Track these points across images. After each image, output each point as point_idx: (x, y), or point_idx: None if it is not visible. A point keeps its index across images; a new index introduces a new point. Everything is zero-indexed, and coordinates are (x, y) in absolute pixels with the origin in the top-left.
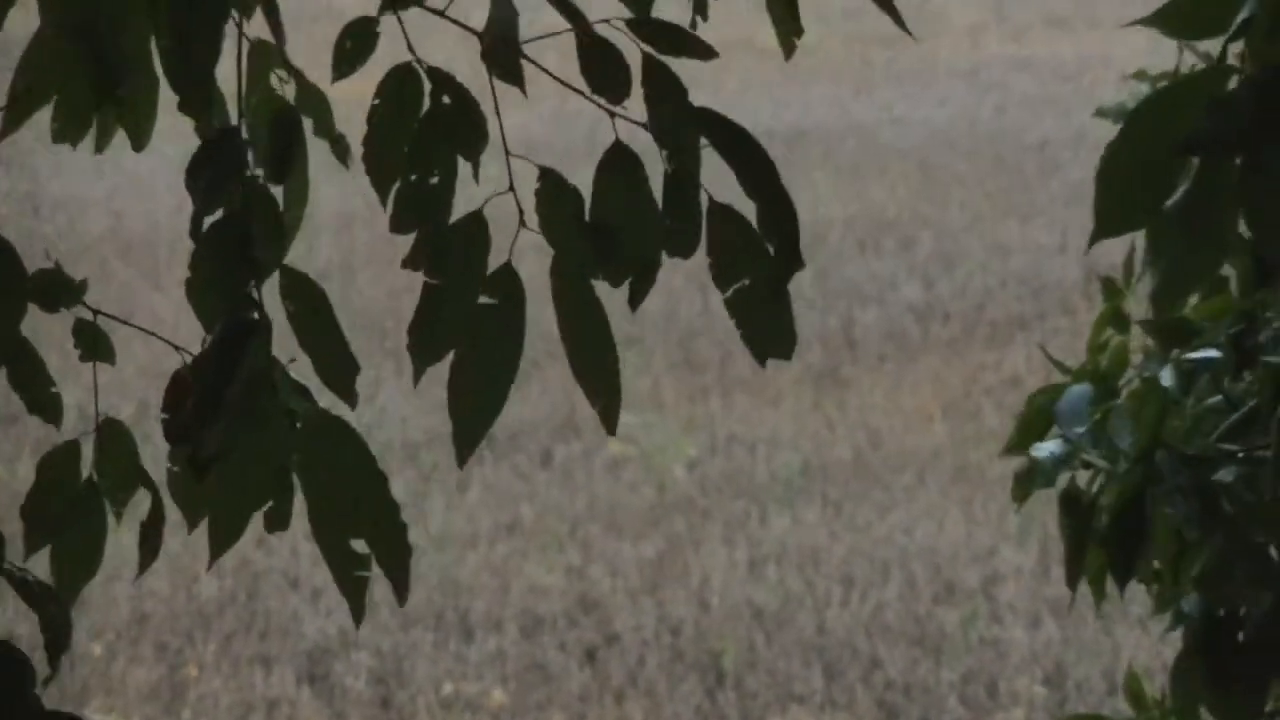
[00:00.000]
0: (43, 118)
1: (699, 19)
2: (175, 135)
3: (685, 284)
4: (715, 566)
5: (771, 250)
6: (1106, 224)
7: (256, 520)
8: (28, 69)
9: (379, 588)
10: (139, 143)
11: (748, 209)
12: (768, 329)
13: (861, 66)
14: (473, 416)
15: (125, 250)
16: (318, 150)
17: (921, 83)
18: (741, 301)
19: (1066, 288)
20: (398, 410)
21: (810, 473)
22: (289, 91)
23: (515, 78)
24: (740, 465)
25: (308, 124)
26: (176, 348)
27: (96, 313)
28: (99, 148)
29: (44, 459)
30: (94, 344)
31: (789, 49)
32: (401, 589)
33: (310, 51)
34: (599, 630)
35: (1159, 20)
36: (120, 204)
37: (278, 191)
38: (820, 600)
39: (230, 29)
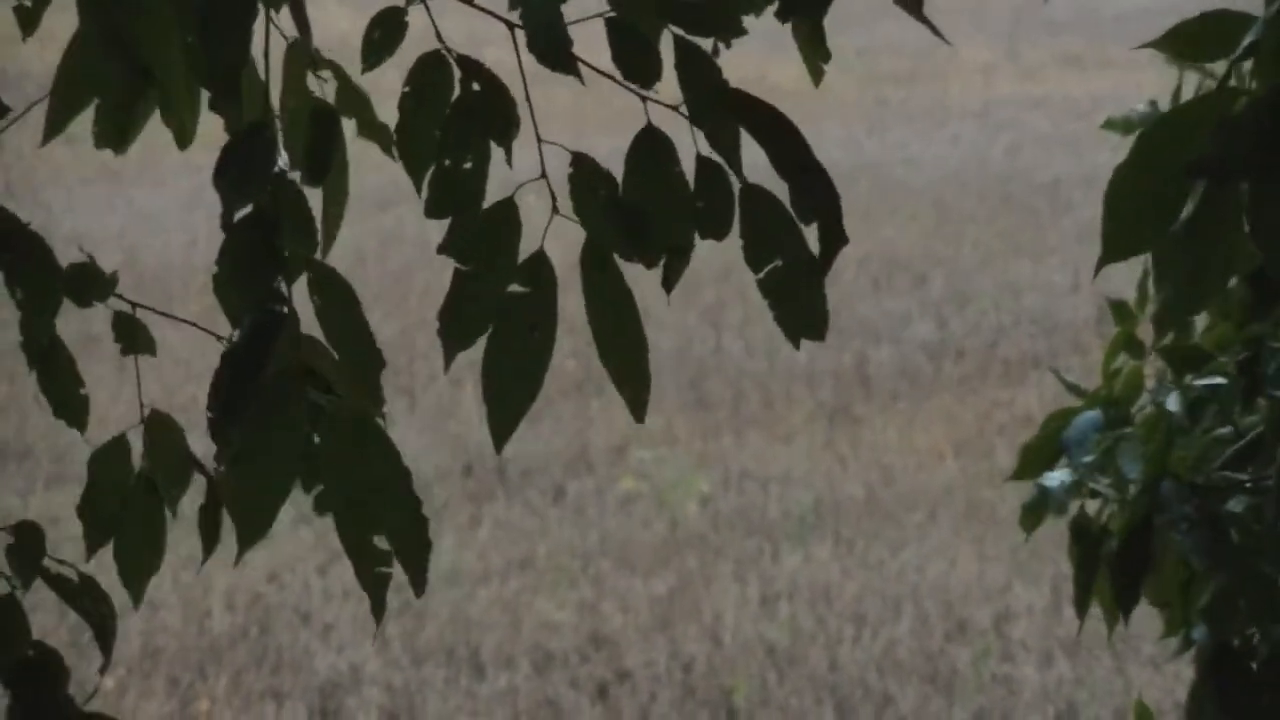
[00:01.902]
0: (55, 156)
1: (721, 46)
2: (186, 169)
3: (698, 321)
4: (727, 603)
5: (808, 226)
6: (1114, 247)
7: (268, 556)
8: (66, 74)
9: (392, 623)
10: (183, 141)
11: (779, 190)
12: (801, 310)
13: (874, 106)
14: (507, 403)
15: (138, 284)
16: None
17: (934, 122)
18: (774, 282)
19: (1079, 326)
20: (410, 446)
21: (822, 510)
22: (327, 91)
23: (567, 65)
24: (752, 502)
25: (348, 125)
26: (218, 337)
27: (135, 305)
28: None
29: (94, 456)
30: (133, 337)
31: (817, 75)
32: (419, 581)
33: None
34: (610, 667)
35: (1166, 43)
36: (133, 239)
37: (313, 192)
38: (832, 637)
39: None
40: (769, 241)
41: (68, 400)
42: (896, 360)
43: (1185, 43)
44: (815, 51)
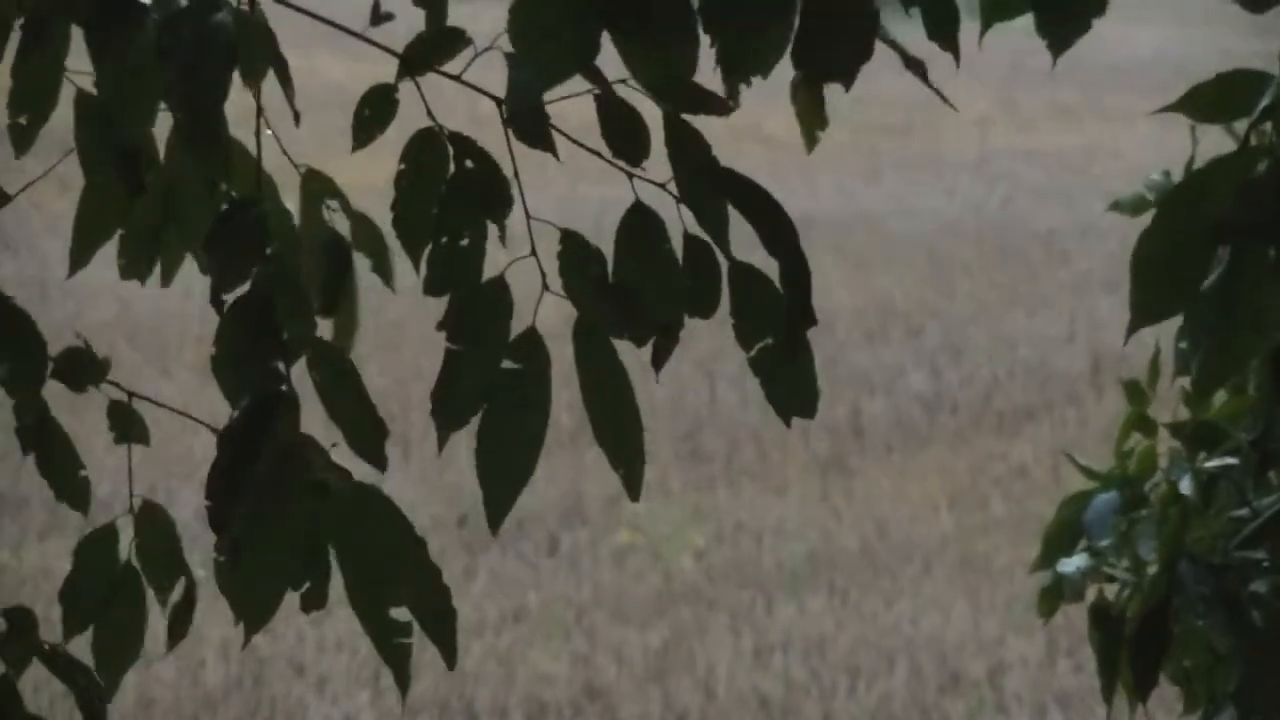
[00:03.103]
0: (51, 207)
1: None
2: None
3: (692, 372)
4: (721, 656)
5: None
6: (1143, 312)
7: None
8: (88, 205)
9: (384, 675)
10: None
11: (768, 268)
12: (791, 388)
13: (869, 156)
14: (502, 483)
15: (132, 336)
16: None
17: (929, 172)
18: (765, 361)
19: (1074, 378)
20: (404, 497)
21: (817, 562)
22: (338, 221)
23: (544, 143)
24: (747, 554)
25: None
26: (210, 428)
27: (131, 395)
28: (166, 280)
29: (82, 542)
30: (128, 425)
31: (812, 141)
32: (449, 653)
33: (317, 133)
34: (605, 719)
35: (1185, 105)
36: (127, 290)
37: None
38: (826, 690)
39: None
40: (759, 320)
41: (68, 484)
42: (891, 412)
43: (1203, 104)
44: (813, 118)
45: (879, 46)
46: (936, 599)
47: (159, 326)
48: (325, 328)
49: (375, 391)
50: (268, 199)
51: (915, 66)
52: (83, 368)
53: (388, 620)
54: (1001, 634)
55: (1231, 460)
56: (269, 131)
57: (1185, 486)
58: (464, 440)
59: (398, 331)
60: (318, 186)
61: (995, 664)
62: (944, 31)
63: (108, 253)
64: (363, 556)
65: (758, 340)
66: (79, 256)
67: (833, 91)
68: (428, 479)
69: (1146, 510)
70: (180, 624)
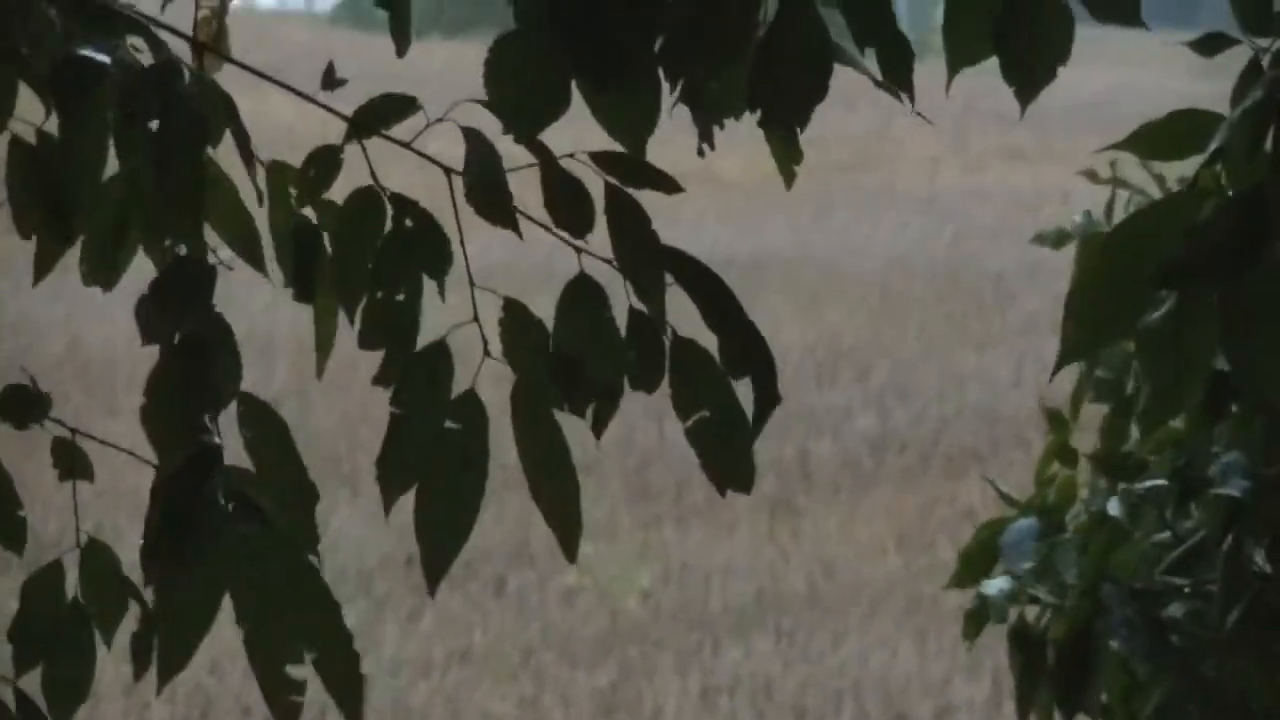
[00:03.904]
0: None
1: (705, 147)
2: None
3: (642, 413)
4: (668, 696)
5: (738, 380)
6: (1073, 348)
7: (209, 646)
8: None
9: (331, 713)
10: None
11: (708, 340)
12: (728, 460)
13: (820, 195)
14: (441, 543)
15: (82, 373)
16: (278, 276)
17: (880, 211)
18: (702, 433)
19: (1021, 420)
20: (352, 536)
21: (764, 603)
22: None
23: (505, 219)
24: (694, 595)
25: None
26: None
27: (75, 431)
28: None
29: (28, 582)
30: (72, 461)
31: (790, 178)
32: (354, 717)
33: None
34: None
35: (1132, 144)
36: (77, 327)
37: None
38: None
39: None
40: (697, 393)
41: (5, 523)
42: (839, 453)
43: (1151, 143)
44: (788, 153)
45: (830, 83)
46: (883, 640)
47: (108, 364)
48: (255, 386)
49: (324, 429)
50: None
51: (890, 89)
52: (27, 404)
53: (283, 677)
54: (948, 675)
55: (1160, 481)
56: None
57: (1114, 508)
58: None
59: (347, 371)
60: (284, 177)
61: (942, 705)
62: (898, 72)
63: (56, 285)
64: (277, 613)
65: (695, 413)
66: (42, 263)
67: (803, 132)
68: (376, 518)
69: (1067, 535)
70: (143, 652)
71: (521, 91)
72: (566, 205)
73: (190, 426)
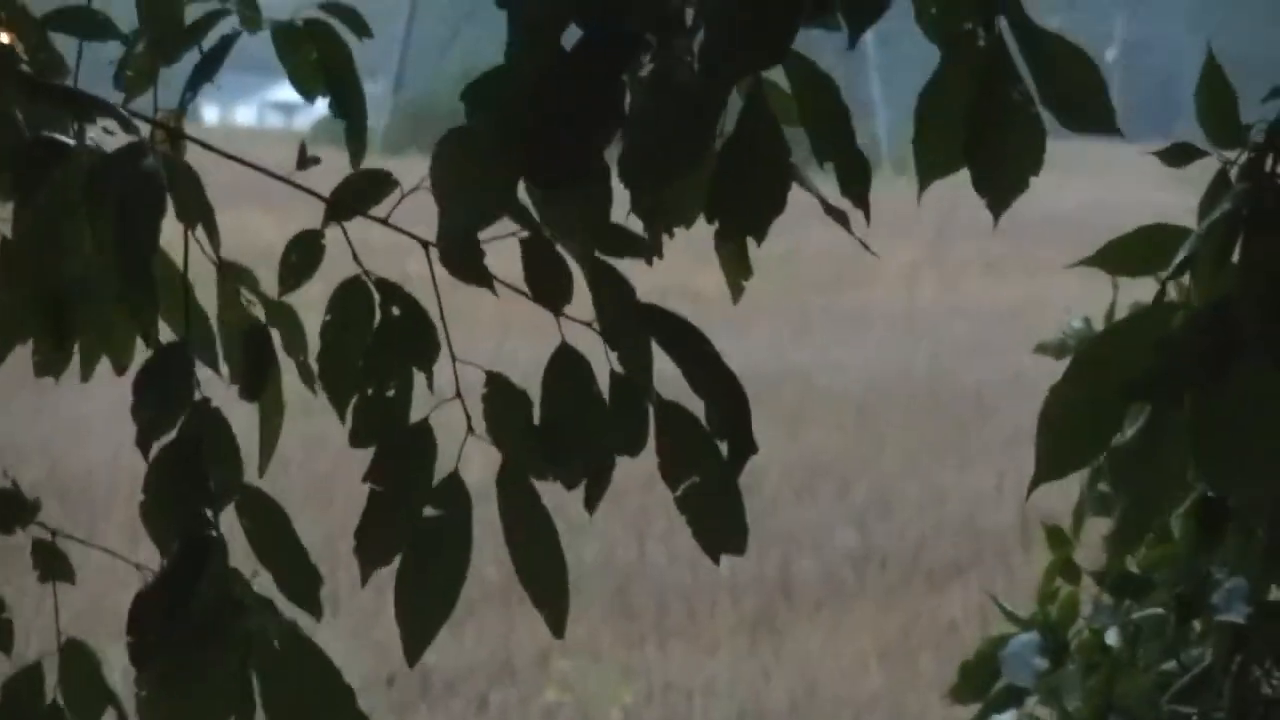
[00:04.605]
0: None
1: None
2: (112, 376)
3: (622, 531)
4: None
5: (723, 442)
6: (1047, 466)
7: None
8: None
9: None
10: (121, 366)
11: (695, 405)
12: (720, 525)
13: (797, 311)
14: (420, 623)
15: (63, 494)
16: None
17: (857, 327)
18: (692, 499)
19: (1003, 533)
20: (335, 652)
21: None
22: (258, 311)
23: (479, 278)
24: (676, 713)
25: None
26: (136, 566)
27: (55, 532)
28: (85, 376)
29: (7, 683)
30: (53, 563)
31: (737, 292)
32: None
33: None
34: None
35: (1101, 260)
36: (58, 448)
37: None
38: None
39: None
40: (685, 459)
41: None
42: (820, 569)
43: (1120, 258)
44: (738, 268)
45: (806, 199)
46: None
47: (89, 485)
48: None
49: (305, 547)
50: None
51: (838, 215)
52: (11, 510)
53: None
54: None
55: (1158, 610)
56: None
57: (1111, 638)
58: (391, 600)
59: (327, 486)
60: (235, 276)
61: None
62: (856, 188)
63: (38, 406)
64: (288, 700)
65: (684, 479)
66: (45, 365)
67: (763, 246)
68: (357, 636)
69: (1069, 657)
70: None
71: (465, 188)
72: (546, 276)
73: (188, 522)
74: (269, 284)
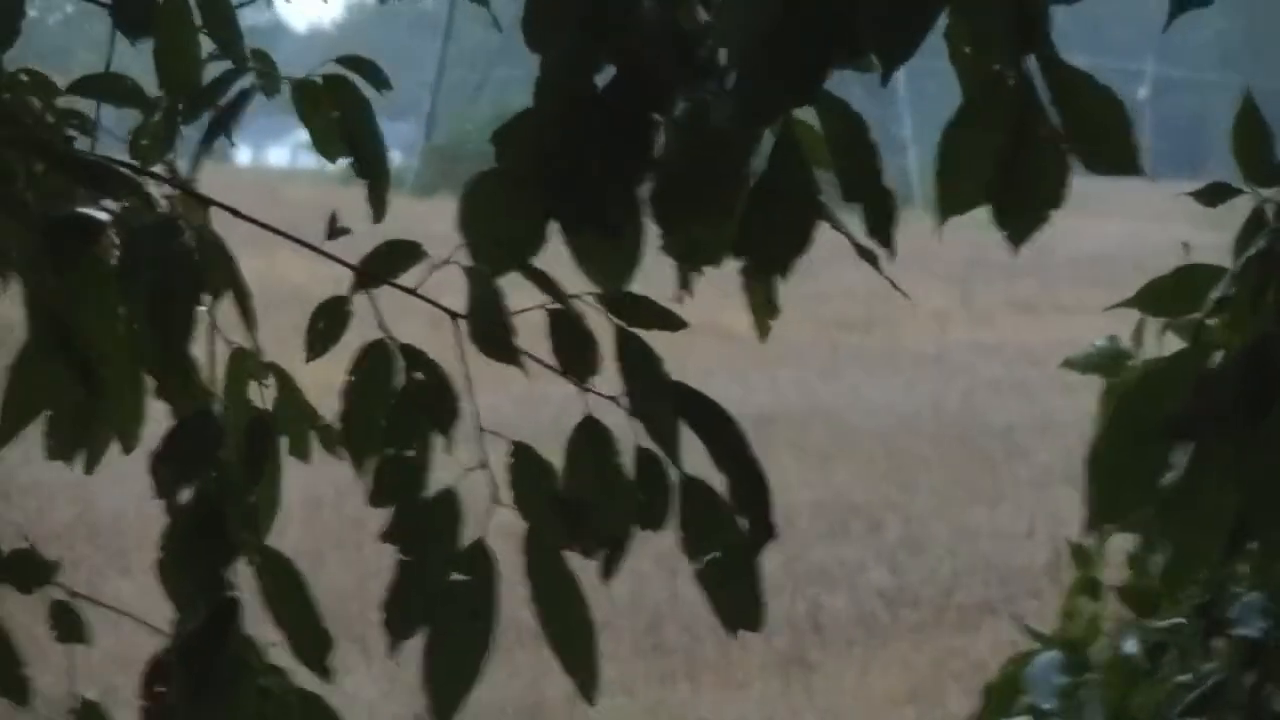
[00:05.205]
0: None
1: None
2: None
3: (654, 568)
4: None
5: (745, 522)
6: (1099, 513)
7: None
8: (17, 384)
9: None
10: (129, 445)
11: (716, 480)
12: (737, 600)
13: (829, 351)
14: (446, 692)
15: (93, 536)
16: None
17: (888, 367)
18: (712, 573)
19: (1034, 572)
20: (364, 695)
21: None
22: (268, 396)
23: (510, 357)
24: None
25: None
26: (153, 628)
27: (74, 594)
28: (89, 468)
29: None
30: (70, 625)
31: (764, 331)
32: None
33: (276, 335)
34: None
35: (1140, 301)
36: (89, 491)
37: None
38: None
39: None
40: (706, 534)
41: (7, 680)
42: (851, 607)
43: (1158, 299)
44: (764, 308)
45: (836, 239)
46: None
47: (119, 527)
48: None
49: (336, 590)
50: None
51: (867, 255)
52: (30, 569)
53: None
54: None
55: (1179, 621)
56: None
57: (1131, 647)
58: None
59: (358, 529)
60: (243, 365)
61: None
62: (882, 228)
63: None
64: None
65: (704, 553)
66: (4, 433)
67: (793, 286)
68: (388, 677)
69: (1091, 674)
70: None
71: (496, 230)
72: (573, 348)
73: (207, 581)
74: (299, 323)
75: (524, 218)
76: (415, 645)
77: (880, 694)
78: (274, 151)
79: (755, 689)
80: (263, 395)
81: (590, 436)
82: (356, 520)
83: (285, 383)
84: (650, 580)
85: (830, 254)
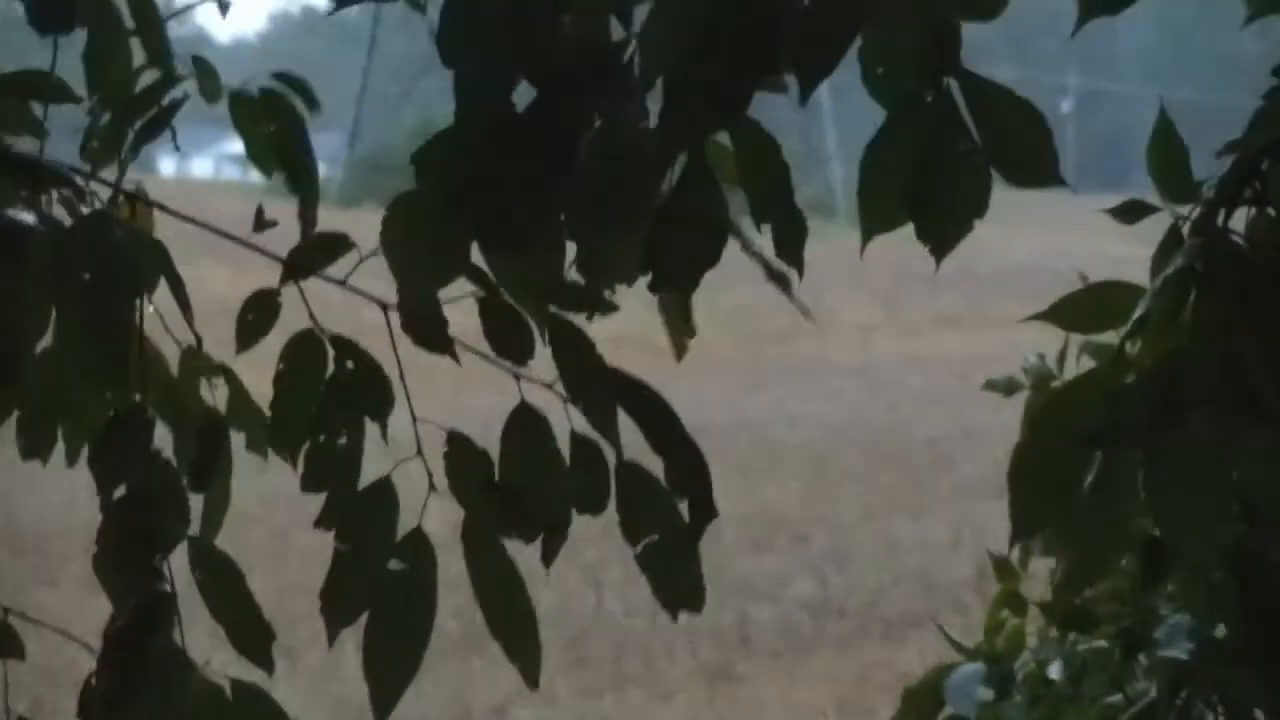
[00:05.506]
0: None
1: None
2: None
3: (578, 581)
4: None
5: (684, 504)
6: (1022, 524)
7: None
8: None
9: None
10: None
11: (654, 464)
12: (677, 583)
13: (753, 363)
14: (388, 680)
15: (17, 547)
16: None
17: (813, 380)
18: (651, 556)
19: (959, 585)
20: (291, 708)
21: None
22: (218, 397)
23: (441, 346)
24: None
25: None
26: (87, 647)
27: (8, 610)
28: (70, 460)
29: None
30: (3, 641)
31: (681, 350)
32: None
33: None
34: None
35: (1054, 315)
36: (12, 503)
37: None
38: None
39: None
40: (645, 517)
41: None
42: (777, 619)
43: (1073, 313)
44: (680, 326)
45: (765, 249)
46: None
47: (44, 538)
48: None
49: (260, 602)
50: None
51: (777, 276)
52: None
53: None
54: None
55: (1103, 644)
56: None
57: (1055, 672)
58: (351, 650)
59: (282, 541)
60: (196, 364)
61: None
62: (791, 249)
63: None
64: None
65: (644, 536)
66: None
67: (718, 299)
68: (315, 690)
69: (1015, 689)
70: None
71: (418, 251)
72: (506, 334)
73: (140, 573)
74: (224, 336)
75: (445, 237)
76: (343, 653)
77: (806, 706)
78: (198, 163)
79: (680, 700)
80: (214, 395)
81: (525, 423)
82: (280, 533)
83: (235, 383)
84: (575, 593)
85: (754, 267)
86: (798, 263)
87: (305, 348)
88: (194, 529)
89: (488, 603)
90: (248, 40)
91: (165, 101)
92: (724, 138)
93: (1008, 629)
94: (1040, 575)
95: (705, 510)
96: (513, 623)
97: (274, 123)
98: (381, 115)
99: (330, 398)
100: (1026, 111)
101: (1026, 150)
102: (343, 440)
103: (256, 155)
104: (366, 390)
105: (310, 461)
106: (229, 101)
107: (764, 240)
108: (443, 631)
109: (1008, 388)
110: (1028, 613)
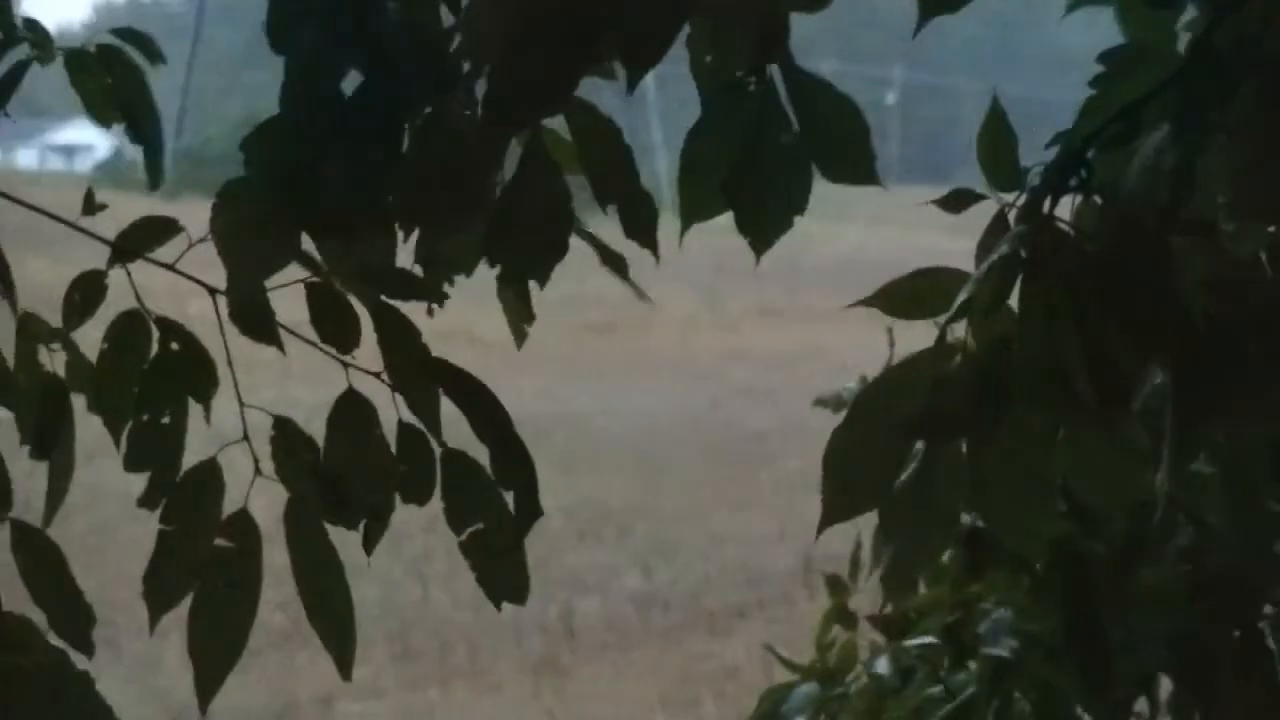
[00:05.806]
0: None
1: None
2: None
3: (404, 573)
4: None
5: (510, 500)
6: (834, 509)
7: None
8: None
9: None
10: None
11: (480, 453)
12: (502, 574)
13: (574, 356)
14: (212, 661)
15: None
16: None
17: (636, 373)
18: (476, 546)
19: (785, 577)
20: (112, 701)
21: None
22: (57, 363)
23: (269, 337)
24: None
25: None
26: None
27: None
28: None
29: None
30: None
31: (520, 336)
32: None
33: None
34: None
35: (879, 301)
36: None
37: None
38: None
39: None
40: (470, 505)
41: None
42: (603, 611)
43: (897, 300)
44: (521, 313)
45: (582, 246)
46: None
47: None
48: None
49: (85, 592)
50: None
51: (614, 262)
52: None
53: None
54: None
55: (930, 640)
56: None
57: (882, 666)
58: (175, 642)
59: (104, 534)
60: (35, 330)
61: None
62: (642, 230)
63: None
64: None
65: (469, 525)
66: None
67: (538, 291)
68: (137, 682)
69: (849, 704)
70: None
71: (249, 237)
72: (333, 321)
73: None
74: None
75: (274, 224)
76: (166, 644)
77: (632, 698)
78: (23, 154)
79: (507, 693)
80: (52, 360)
81: (351, 409)
82: (103, 525)
83: (73, 350)
84: (400, 585)
85: (577, 259)
86: (651, 244)
87: (129, 327)
88: (39, 497)
89: (308, 588)
90: (73, 30)
91: (11, 65)
92: (559, 125)
93: (839, 644)
94: (874, 589)
95: (530, 507)
96: (330, 609)
97: (111, 76)
98: (205, 109)
99: (153, 377)
100: (845, 107)
101: (845, 147)
102: (166, 420)
103: (95, 107)
104: (190, 371)
105: (133, 441)
106: (64, 60)
107: (604, 228)
108: (269, 624)
109: (837, 405)
110: (859, 626)
